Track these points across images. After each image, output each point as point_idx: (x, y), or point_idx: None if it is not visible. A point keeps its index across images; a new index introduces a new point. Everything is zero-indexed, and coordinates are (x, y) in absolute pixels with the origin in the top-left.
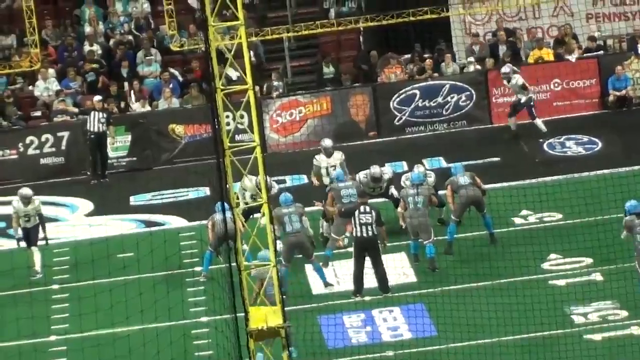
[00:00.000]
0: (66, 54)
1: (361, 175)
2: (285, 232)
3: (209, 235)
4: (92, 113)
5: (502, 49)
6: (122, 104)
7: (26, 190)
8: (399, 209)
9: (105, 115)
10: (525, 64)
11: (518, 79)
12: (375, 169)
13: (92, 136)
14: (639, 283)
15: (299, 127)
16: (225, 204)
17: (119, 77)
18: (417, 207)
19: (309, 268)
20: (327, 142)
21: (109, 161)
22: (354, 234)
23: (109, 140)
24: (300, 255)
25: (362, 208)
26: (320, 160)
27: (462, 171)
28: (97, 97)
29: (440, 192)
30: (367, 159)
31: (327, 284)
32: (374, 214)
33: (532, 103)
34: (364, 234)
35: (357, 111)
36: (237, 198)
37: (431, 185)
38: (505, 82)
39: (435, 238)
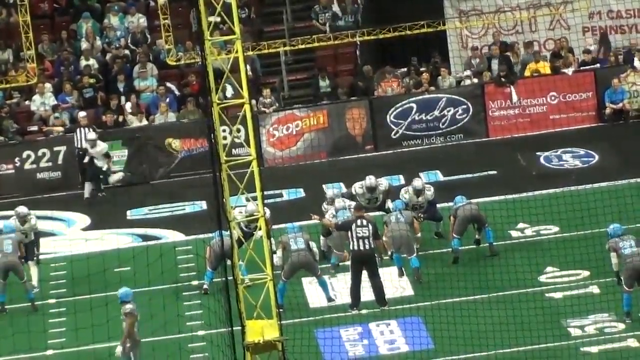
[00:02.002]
0: (63, 69)
1: (357, 186)
2: (291, 251)
3: (206, 263)
4: (79, 129)
5: (495, 63)
6: (120, 118)
7: (22, 209)
8: (384, 237)
9: (90, 132)
10: (522, 77)
11: None
12: (370, 180)
13: (81, 152)
14: (623, 297)
15: (296, 141)
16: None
17: (116, 92)
18: (399, 221)
19: (305, 281)
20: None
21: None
22: (351, 247)
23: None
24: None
25: (359, 221)
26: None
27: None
28: (82, 113)
29: (439, 206)
30: (363, 172)
31: (329, 299)
32: (370, 227)
33: None
34: (361, 248)
35: (354, 125)
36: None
37: (430, 198)
38: None
39: (418, 253)
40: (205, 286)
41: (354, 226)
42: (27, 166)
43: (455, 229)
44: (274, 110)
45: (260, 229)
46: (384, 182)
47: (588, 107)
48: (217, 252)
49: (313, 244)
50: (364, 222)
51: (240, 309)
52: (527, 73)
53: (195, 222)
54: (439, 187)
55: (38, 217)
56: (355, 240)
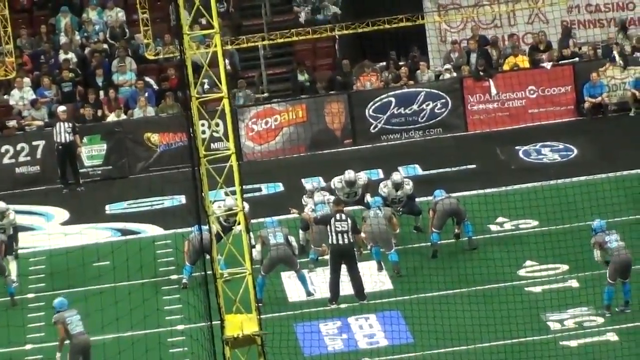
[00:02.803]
0: (42, 63)
1: (336, 181)
2: (270, 245)
3: (185, 257)
4: (58, 124)
5: (473, 57)
6: (99, 113)
7: (0, 204)
8: (362, 233)
9: (70, 125)
10: (501, 71)
11: None
12: (349, 174)
13: (60, 147)
14: (605, 290)
15: (275, 135)
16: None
17: (95, 86)
18: (377, 216)
19: (284, 276)
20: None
21: (84, 170)
22: (330, 241)
23: (79, 149)
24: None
25: (338, 216)
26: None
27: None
28: (62, 108)
29: (418, 200)
30: (342, 166)
31: (309, 293)
32: (349, 221)
33: None
34: (340, 242)
35: (333, 119)
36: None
37: (409, 192)
38: None
39: (397, 248)
40: (184, 280)
41: (332, 220)
42: (5, 160)
43: (435, 223)
44: (245, 105)
45: (239, 223)
46: (362, 177)
47: (567, 101)
48: (196, 246)
49: (292, 239)
50: (343, 216)
51: (220, 303)
52: (506, 67)
53: (174, 216)
54: (418, 182)
55: (17, 212)
56: (334, 234)
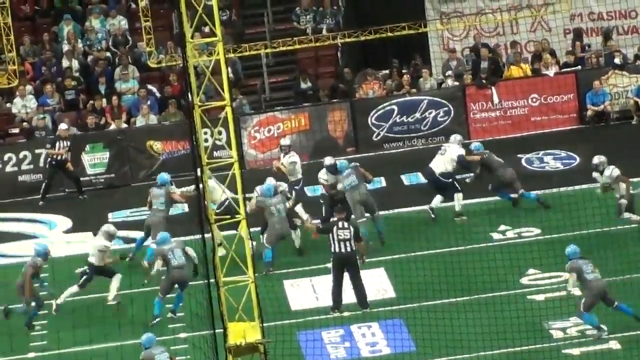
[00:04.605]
0: (44, 71)
1: (321, 175)
2: (172, 266)
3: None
4: (59, 142)
5: (483, 65)
6: (102, 121)
7: None
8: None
9: (68, 144)
10: (503, 79)
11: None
12: (329, 159)
13: (54, 162)
14: (584, 318)
15: (277, 143)
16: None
17: (98, 94)
18: (280, 213)
19: (287, 284)
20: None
21: (87, 178)
22: (332, 249)
23: (68, 164)
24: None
25: (340, 224)
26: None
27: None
28: (64, 126)
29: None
30: None
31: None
32: (352, 229)
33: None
34: (343, 250)
35: (335, 127)
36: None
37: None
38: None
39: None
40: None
41: (335, 228)
42: (8, 169)
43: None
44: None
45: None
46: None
47: (569, 109)
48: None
49: (190, 250)
50: (345, 224)
51: (222, 311)
52: (508, 74)
53: (176, 224)
54: (420, 190)
55: (19, 220)
56: (336, 242)
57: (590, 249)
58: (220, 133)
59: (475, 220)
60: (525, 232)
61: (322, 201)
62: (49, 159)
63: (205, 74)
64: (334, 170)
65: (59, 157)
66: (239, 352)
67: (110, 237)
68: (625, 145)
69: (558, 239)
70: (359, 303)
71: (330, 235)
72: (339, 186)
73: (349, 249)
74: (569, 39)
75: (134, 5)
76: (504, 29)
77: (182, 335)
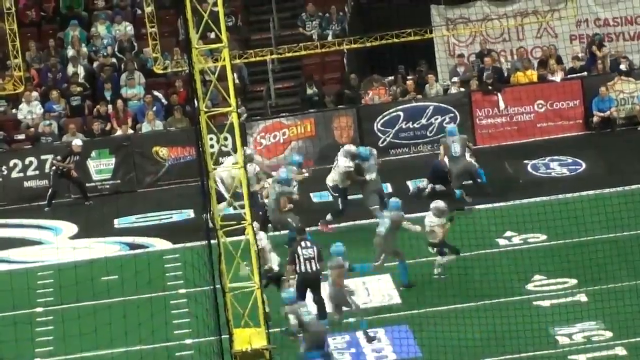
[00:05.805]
0: (50, 77)
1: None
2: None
3: None
4: (70, 156)
5: (487, 72)
6: (108, 127)
7: None
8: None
9: (78, 158)
10: (509, 85)
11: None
12: (349, 147)
13: (59, 172)
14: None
15: (283, 149)
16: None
17: (103, 100)
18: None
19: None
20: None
21: (93, 184)
22: (298, 269)
23: (72, 172)
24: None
25: (303, 244)
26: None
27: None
28: (79, 142)
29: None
30: None
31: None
32: (315, 249)
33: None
34: (309, 269)
35: (341, 133)
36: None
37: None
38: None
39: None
40: None
41: (299, 249)
42: (14, 175)
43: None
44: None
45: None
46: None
47: (575, 115)
48: None
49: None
50: (308, 244)
51: (228, 317)
52: (515, 80)
53: (182, 230)
54: (426, 195)
55: (25, 226)
56: (302, 262)
57: (596, 255)
58: (226, 139)
59: (481, 226)
60: (531, 238)
61: (286, 246)
62: (54, 168)
63: (211, 80)
64: (360, 158)
65: (65, 169)
66: (245, 358)
67: (353, 156)
68: (631, 151)
69: (564, 245)
70: (320, 315)
71: (295, 256)
72: (368, 176)
73: (314, 268)
74: (575, 45)
75: (139, 11)
76: (510, 35)
77: (188, 341)
